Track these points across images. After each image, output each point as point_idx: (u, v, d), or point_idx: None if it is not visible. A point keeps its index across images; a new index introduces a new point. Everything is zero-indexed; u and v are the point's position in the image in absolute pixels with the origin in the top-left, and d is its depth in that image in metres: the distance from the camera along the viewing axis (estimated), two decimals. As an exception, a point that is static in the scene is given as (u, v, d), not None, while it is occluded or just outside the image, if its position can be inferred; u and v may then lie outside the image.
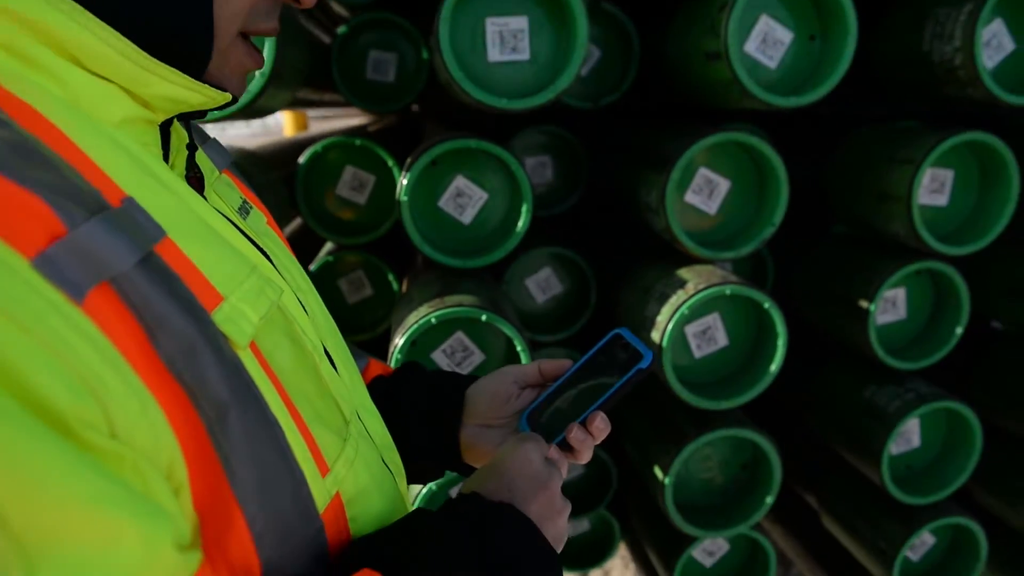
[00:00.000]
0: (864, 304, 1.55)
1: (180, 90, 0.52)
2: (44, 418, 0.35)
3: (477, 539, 0.55)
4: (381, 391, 0.83)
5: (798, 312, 1.82)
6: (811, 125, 1.90)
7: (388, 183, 1.73)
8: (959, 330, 1.59)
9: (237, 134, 6.15)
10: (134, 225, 0.44)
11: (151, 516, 0.38)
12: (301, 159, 1.67)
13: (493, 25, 1.24)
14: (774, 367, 1.40)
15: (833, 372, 1.80)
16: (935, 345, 1.61)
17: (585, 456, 0.69)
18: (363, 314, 1.87)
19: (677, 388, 1.38)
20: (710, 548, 1.66)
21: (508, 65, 1.27)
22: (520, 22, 1.25)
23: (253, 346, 0.50)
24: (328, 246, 1.91)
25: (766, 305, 1.38)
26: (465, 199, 1.43)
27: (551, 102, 1.25)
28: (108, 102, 0.49)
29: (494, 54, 1.26)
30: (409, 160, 1.36)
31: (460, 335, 1.35)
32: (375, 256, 1.82)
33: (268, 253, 0.60)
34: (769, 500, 1.50)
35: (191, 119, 0.61)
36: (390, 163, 1.68)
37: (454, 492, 1.07)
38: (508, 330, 1.26)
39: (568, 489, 1.93)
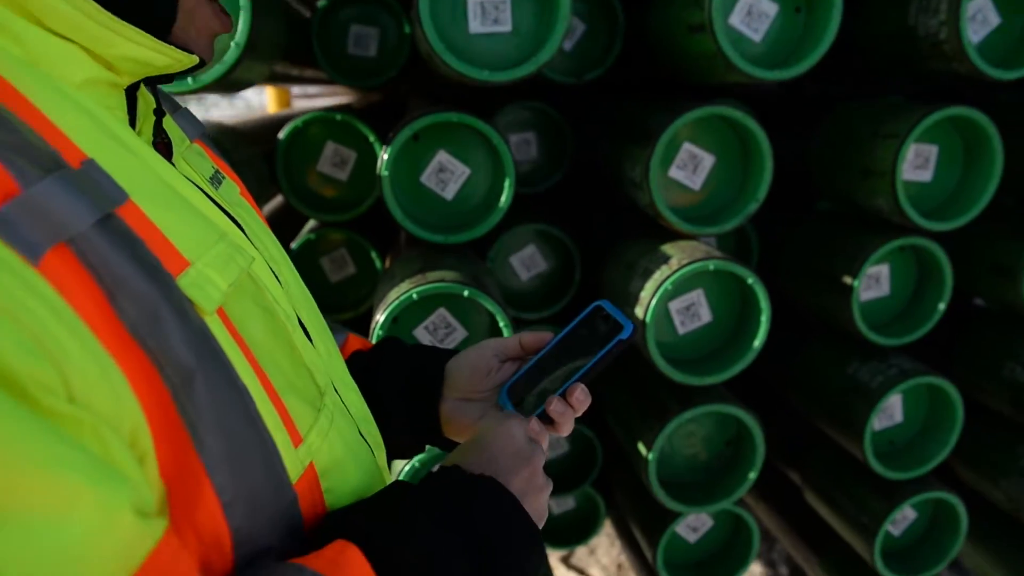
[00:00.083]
0: (848, 280, 1.55)
1: (144, 51, 0.50)
2: None
3: (457, 510, 0.54)
4: (360, 366, 0.82)
5: (782, 289, 1.82)
6: (796, 102, 1.89)
7: (370, 159, 1.71)
8: (942, 306, 1.60)
9: (221, 115, 6.07)
10: (94, 186, 0.43)
11: (109, 481, 0.36)
12: (281, 134, 1.64)
13: (474, -5, 1.22)
14: (758, 343, 1.40)
15: (816, 348, 1.81)
16: (918, 321, 1.61)
17: (566, 428, 0.69)
18: (346, 293, 1.85)
19: (661, 364, 1.38)
20: (694, 524, 1.67)
21: (490, 37, 1.24)
22: (502, -8, 1.22)
23: (221, 313, 0.49)
24: (310, 224, 1.89)
25: (750, 281, 1.38)
26: (447, 174, 1.41)
27: (533, 74, 1.24)
28: (69, 62, 0.48)
29: (475, 25, 1.24)
30: (390, 134, 1.34)
31: (443, 311, 1.34)
32: (358, 234, 1.80)
33: (240, 222, 0.60)
34: (752, 476, 1.50)
35: (158, 83, 0.59)
36: (372, 139, 1.66)
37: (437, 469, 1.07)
38: (491, 306, 1.25)
39: (553, 467, 1.93)
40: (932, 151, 1.55)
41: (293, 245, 1.78)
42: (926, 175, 1.56)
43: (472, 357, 0.77)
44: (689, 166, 1.46)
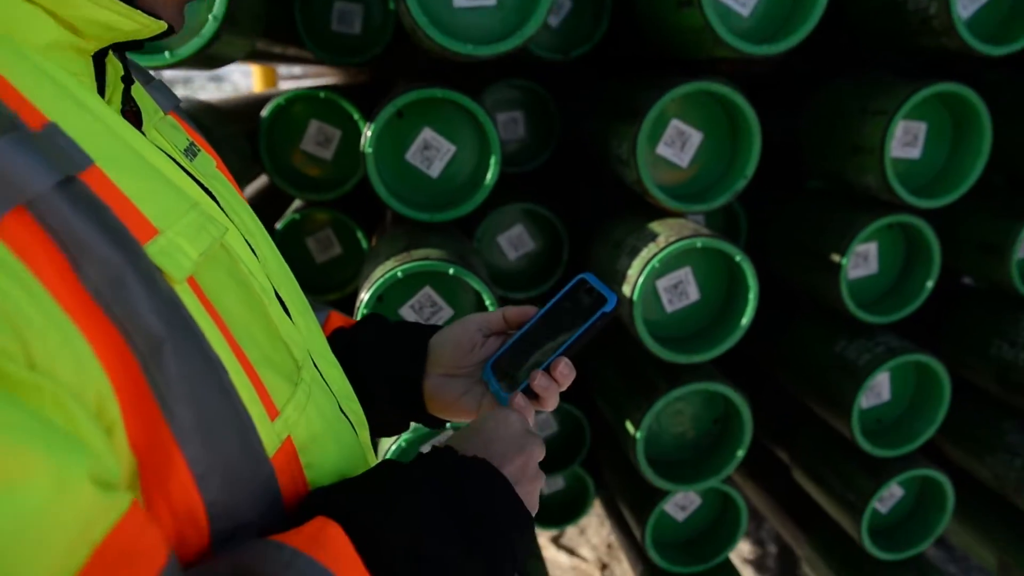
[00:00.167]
0: (836, 258, 1.55)
1: (109, 14, 0.49)
2: None
3: (448, 490, 0.53)
4: (342, 343, 0.81)
5: (770, 268, 1.81)
6: (786, 81, 1.88)
7: (355, 138, 1.68)
8: (930, 284, 1.60)
9: (208, 98, 6.00)
10: (55, 149, 0.41)
11: (67, 451, 0.35)
12: (264, 112, 1.62)
13: (458, -32, 1.20)
14: (745, 321, 1.40)
15: (804, 326, 1.80)
16: (906, 299, 1.61)
17: (550, 403, 0.68)
18: (332, 273, 1.83)
19: (648, 342, 1.37)
20: (682, 502, 1.67)
21: (474, 11, 1.22)
22: (486, -35, 1.20)
23: (192, 282, 0.47)
24: (295, 204, 1.87)
25: (737, 258, 1.37)
26: (433, 152, 1.40)
27: (519, 49, 1.22)
28: (32, 25, 0.47)
29: (460, -1, 1.21)
30: (374, 111, 1.32)
31: (428, 290, 1.32)
32: (343, 214, 1.78)
33: (215, 194, 0.59)
34: (740, 454, 1.50)
35: (127, 50, 0.57)
36: (356, 117, 1.64)
37: (426, 448, 1.06)
38: (476, 284, 1.24)
39: (542, 447, 1.93)
40: (921, 128, 1.54)
41: (278, 225, 1.76)
42: (915, 152, 1.55)
43: (455, 332, 0.76)
44: (677, 143, 1.45)
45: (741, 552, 2.40)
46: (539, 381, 0.67)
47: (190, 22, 1.12)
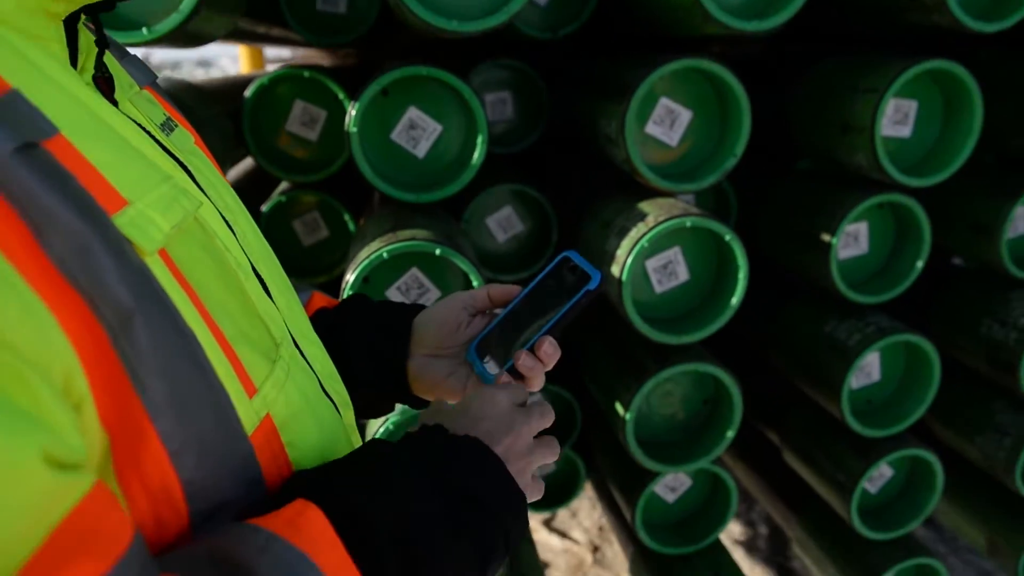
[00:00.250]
0: (826, 238, 1.54)
1: None
2: None
3: (436, 470, 0.52)
4: (325, 323, 0.79)
5: (760, 248, 1.80)
6: (777, 62, 1.86)
7: (341, 119, 1.66)
8: (920, 263, 1.59)
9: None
10: (16, 116, 0.40)
11: (18, 431, 0.33)
12: (247, 92, 1.59)
13: (442, -58, 1.18)
14: (735, 300, 1.39)
15: (795, 307, 1.80)
16: (896, 279, 1.60)
17: (536, 383, 0.67)
18: (319, 256, 1.82)
19: (638, 323, 1.36)
20: (672, 484, 1.67)
21: (459, -14, 1.20)
22: (471, -62, 1.18)
23: (164, 255, 0.46)
24: (282, 186, 1.85)
25: (727, 238, 1.36)
26: (419, 131, 1.38)
27: (505, 25, 1.20)
28: None
29: (444, -27, 1.19)
30: (359, 90, 1.30)
31: (415, 271, 1.31)
32: (330, 196, 1.76)
33: (191, 169, 0.58)
34: (730, 434, 1.50)
35: (98, 12, 0.56)
36: (341, 96, 1.61)
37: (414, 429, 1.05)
38: (464, 264, 1.23)
39: (532, 430, 1.92)
40: (912, 106, 1.53)
41: (264, 208, 1.74)
42: (905, 131, 1.54)
43: (440, 312, 0.75)
44: (666, 121, 1.43)
45: (732, 533, 2.41)
46: (523, 361, 0.66)
47: (168, -3, 1.10)
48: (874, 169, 1.48)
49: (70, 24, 0.51)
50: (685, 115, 1.43)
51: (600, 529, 2.46)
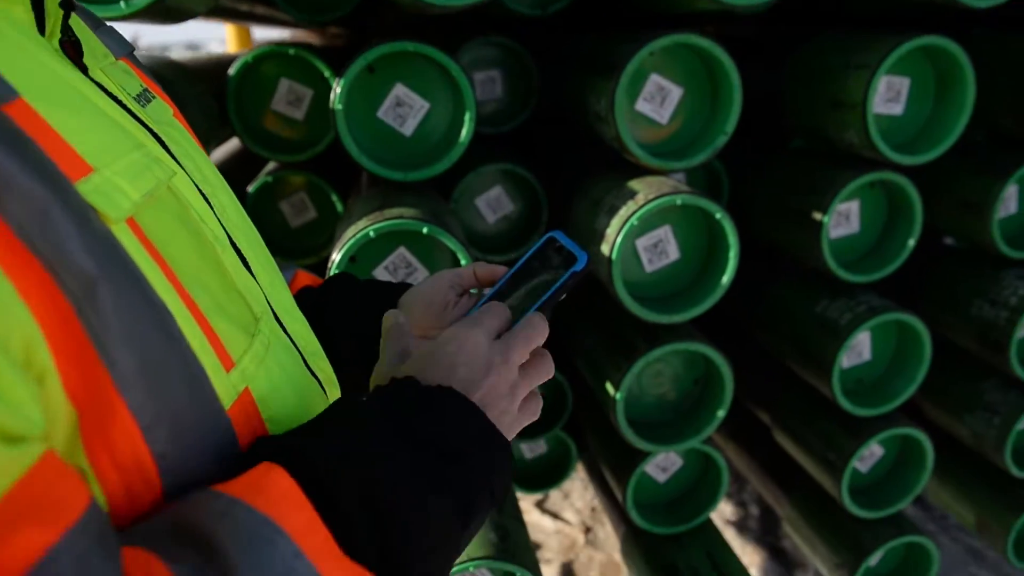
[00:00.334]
0: (818, 217, 1.53)
1: None
2: None
3: (407, 424, 0.49)
4: (309, 302, 0.78)
5: (752, 229, 1.79)
6: (769, 41, 1.84)
7: (327, 98, 1.63)
8: (911, 242, 1.59)
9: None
10: None
11: None
12: (231, 70, 1.57)
13: (427, -87, 1.15)
14: (726, 279, 1.38)
15: (786, 287, 1.79)
16: (888, 258, 1.60)
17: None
18: (307, 238, 1.80)
19: (628, 302, 1.35)
20: (663, 464, 1.67)
21: (445, -41, 1.18)
22: (457, -90, 1.16)
23: (133, 224, 0.45)
24: (268, 167, 1.82)
25: (718, 216, 1.35)
26: (405, 109, 1.36)
27: (493, 0, 1.18)
28: None
29: (430, -54, 1.17)
30: (344, 66, 1.28)
31: (402, 251, 1.29)
32: (318, 177, 1.74)
33: (166, 140, 0.56)
34: (721, 414, 1.50)
35: None
36: (328, 75, 1.59)
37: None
38: (452, 244, 1.21)
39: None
40: (904, 83, 1.52)
41: (250, 188, 1.72)
42: (897, 108, 1.53)
43: (427, 291, 0.73)
44: (656, 99, 1.41)
45: (723, 514, 2.42)
46: None
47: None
48: (866, 147, 1.47)
49: None
50: (676, 92, 1.42)
51: (592, 510, 2.46)
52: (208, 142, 1.56)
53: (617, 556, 2.21)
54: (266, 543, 0.39)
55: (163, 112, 0.62)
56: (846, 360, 1.64)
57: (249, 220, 0.66)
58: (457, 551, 0.50)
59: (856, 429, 1.67)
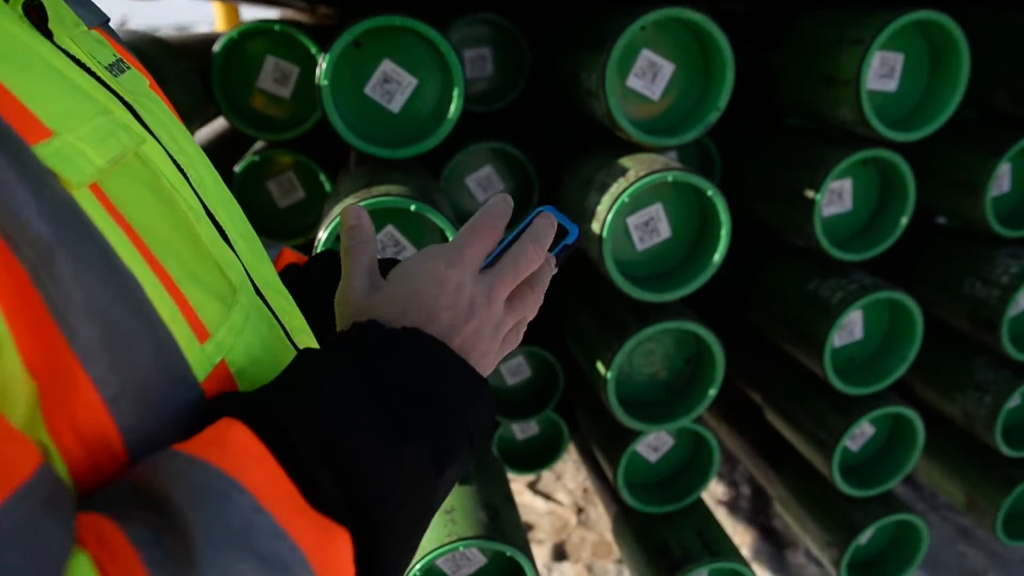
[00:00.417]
0: (810, 195, 1.52)
1: None
2: None
3: (373, 367, 0.47)
4: (294, 278, 0.77)
5: (744, 207, 1.78)
6: (762, 20, 1.82)
7: (314, 75, 1.61)
8: (904, 220, 1.58)
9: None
10: None
11: None
12: (216, 47, 1.54)
13: None
14: (718, 257, 1.37)
15: (778, 266, 1.79)
16: (880, 236, 1.59)
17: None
18: (295, 218, 1.78)
19: (618, 280, 1.34)
20: (654, 443, 1.67)
21: (432, -70, 1.15)
22: None
23: (97, 190, 0.43)
24: (255, 147, 1.80)
25: (709, 192, 1.33)
26: (393, 85, 1.34)
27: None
28: None
29: (416, -84, 1.14)
30: (329, 41, 1.26)
31: (390, 229, 1.28)
32: (306, 156, 1.72)
33: (139, 109, 0.55)
34: (712, 392, 1.49)
35: None
36: (314, 51, 1.56)
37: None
38: (440, 221, 1.20)
39: (515, 393, 1.91)
40: (898, 59, 1.50)
41: (237, 168, 1.70)
42: (891, 84, 1.52)
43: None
44: (648, 74, 1.40)
45: (715, 494, 2.43)
46: None
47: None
48: (859, 123, 1.46)
49: None
50: (667, 68, 1.40)
51: (584, 491, 2.46)
52: (192, 120, 1.53)
53: (609, 536, 2.22)
54: (222, 498, 0.37)
55: (138, 83, 0.61)
56: (838, 339, 1.63)
57: (231, 195, 0.64)
58: (435, 499, 0.48)
59: (847, 408, 1.67)
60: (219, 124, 2.01)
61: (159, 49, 1.43)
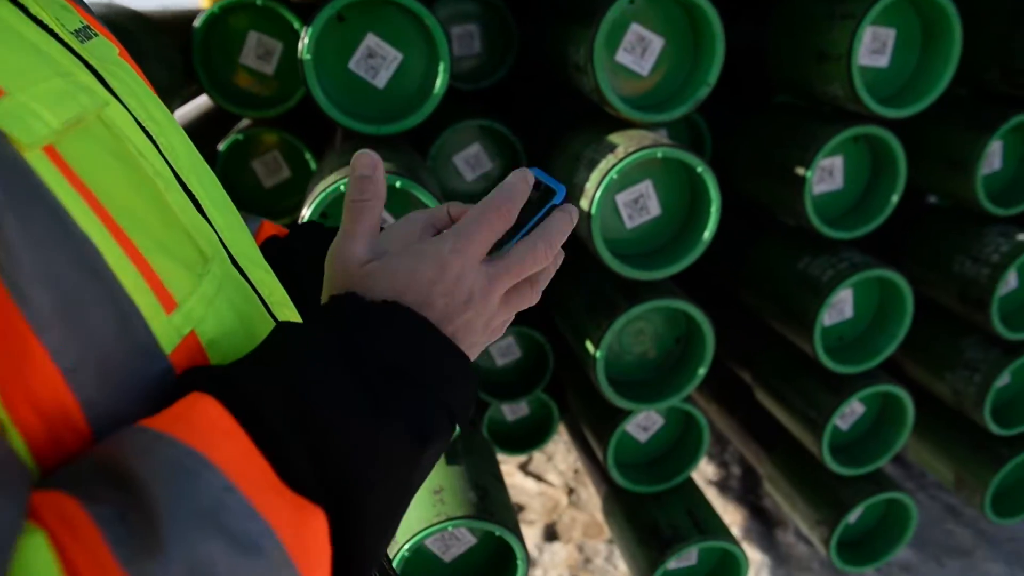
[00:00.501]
0: (801, 172, 1.51)
1: None
2: None
3: (352, 340, 0.46)
4: (275, 250, 0.75)
5: (735, 186, 1.77)
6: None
7: (297, 51, 1.58)
8: (895, 198, 1.57)
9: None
10: None
11: None
12: (196, 22, 1.51)
13: None
14: (707, 235, 1.36)
15: (768, 244, 1.78)
16: (871, 214, 1.58)
17: None
18: (281, 198, 1.75)
19: (607, 258, 1.33)
20: (644, 423, 1.66)
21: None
22: None
23: (52, 152, 0.41)
24: (240, 126, 1.77)
25: (699, 169, 1.32)
26: (378, 60, 1.31)
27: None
28: None
29: None
30: (312, 14, 1.23)
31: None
32: (291, 135, 1.69)
33: (107, 75, 0.52)
34: (702, 371, 1.48)
35: None
36: (297, 26, 1.53)
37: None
38: (425, 197, 1.18)
39: (505, 374, 1.90)
40: (890, 35, 1.48)
41: (220, 147, 1.67)
42: (883, 60, 1.50)
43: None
44: (637, 49, 1.37)
45: (705, 474, 2.43)
46: None
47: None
48: (850, 99, 1.44)
49: None
50: (657, 42, 1.38)
51: (575, 472, 2.46)
52: (172, 97, 1.50)
53: (599, 516, 2.22)
54: (191, 476, 0.36)
55: (107, 50, 0.58)
56: (828, 317, 1.63)
57: (206, 165, 0.62)
58: (414, 479, 0.47)
59: (837, 386, 1.67)
60: (202, 102, 1.98)
61: (138, 23, 1.39)
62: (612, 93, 1.32)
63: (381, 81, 1.32)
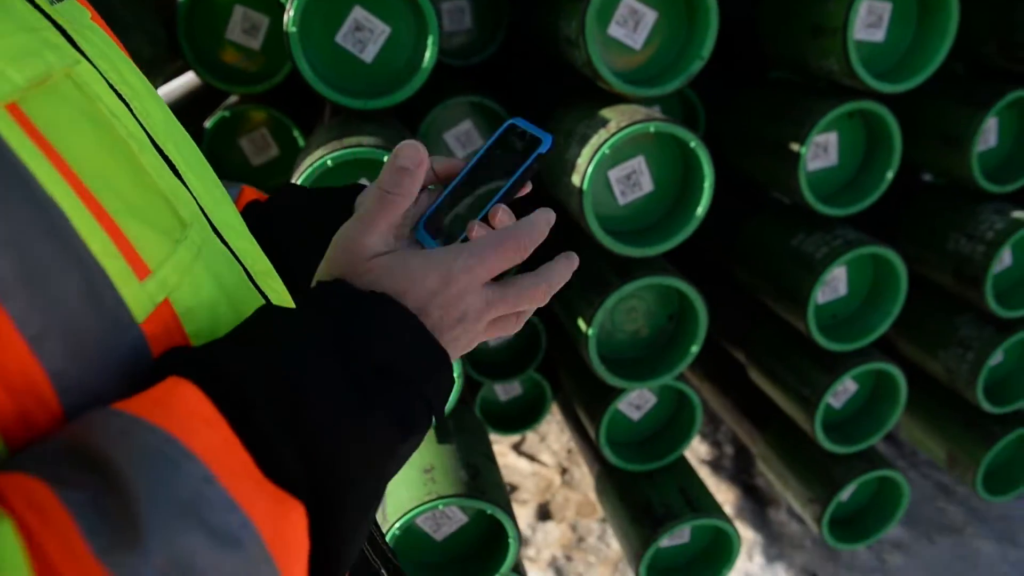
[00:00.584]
0: (795, 148, 1.49)
1: None
2: None
3: (339, 329, 0.45)
4: (256, 215, 0.73)
5: (729, 162, 1.75)
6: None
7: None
8: (890, 174, 1.55)
9: None
10: None
11: None
12: (180, -5, 1.48)
13: None
14: (700, 211, 1.34)
15: (761, 220, 1.76)
16: (866, 191, 1.57)
17: None
18: (269, 176, 1.73)
19: (599, 234, 1.31)
20: (636, 402, 1.65)
21: None
22: None
23: (15, 110, 0.39)
24: (227, 103, 1.74)
25: (692, 144, 1.30)
26: (365, 34, 1.29)
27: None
28: None
29: None
30: (297, -14, 1.20)
31: (364, 182, 1.23)
32: (279, 112, 1.66)
33: (78, 37, 0.50)
34: (695, 349, 1.47)
35: None
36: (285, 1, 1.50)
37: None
38: (414, 173, 1.16)
39: (497, 353, 1.89)
40: (886, 8, 1.46)
41: (207, 124, 1.64)
42: (878, 35, 1.48)
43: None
44: (630, 23, 1.35)
45: (698, 453, 2.43)
46: (477, 232, 0.59)
47: None
48: (845, 74, 1.43)
49: None
50: (650, 16, 1.36)
51: (568, 452, 2.47)
52: (156, 72, 1.48)
53: (593, 495, 2.22)
54: (170, 465, 0.34)
55: (78, 14, 0.56)
56: (821, 295, 1.62)
57: (184, 131, 0.60)
58: (390, 472, 0.46)
59: (830, 364, 1.66)
60: (189, 79, 1.95)
61: (120, -3, 1.37)
62: (604, 67, 1.30)
63: (369, 55, 1.29)
